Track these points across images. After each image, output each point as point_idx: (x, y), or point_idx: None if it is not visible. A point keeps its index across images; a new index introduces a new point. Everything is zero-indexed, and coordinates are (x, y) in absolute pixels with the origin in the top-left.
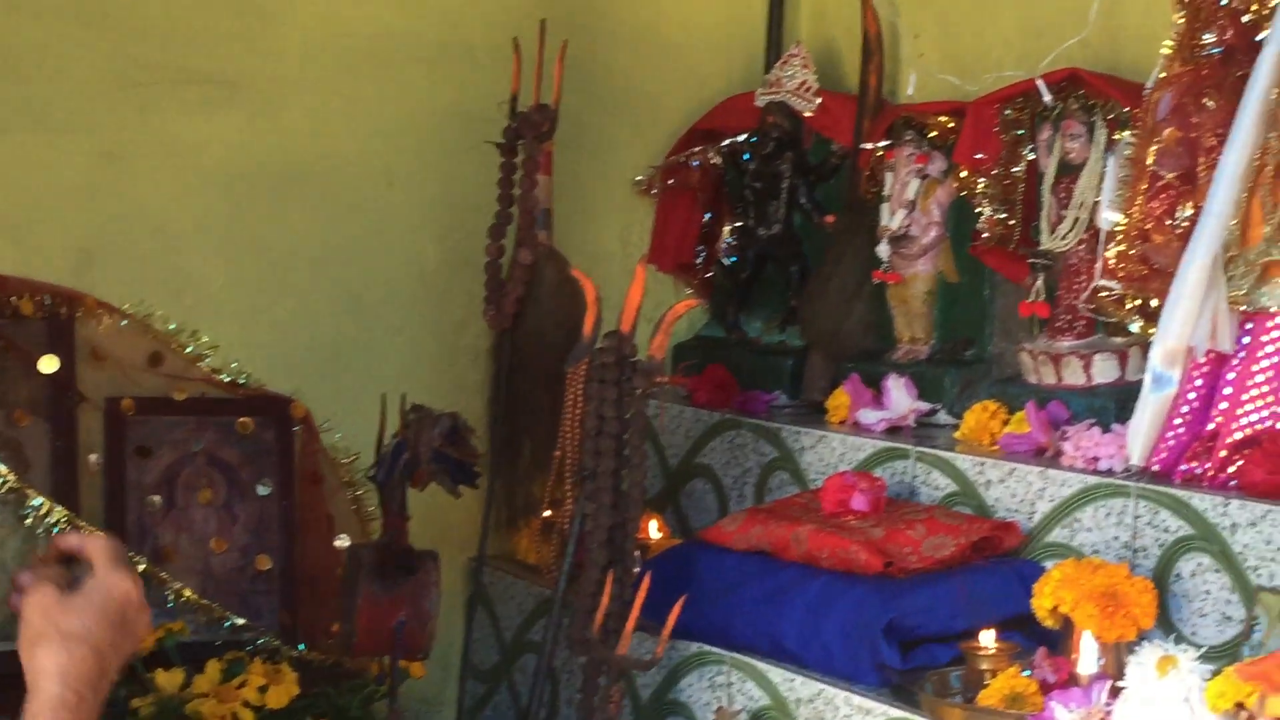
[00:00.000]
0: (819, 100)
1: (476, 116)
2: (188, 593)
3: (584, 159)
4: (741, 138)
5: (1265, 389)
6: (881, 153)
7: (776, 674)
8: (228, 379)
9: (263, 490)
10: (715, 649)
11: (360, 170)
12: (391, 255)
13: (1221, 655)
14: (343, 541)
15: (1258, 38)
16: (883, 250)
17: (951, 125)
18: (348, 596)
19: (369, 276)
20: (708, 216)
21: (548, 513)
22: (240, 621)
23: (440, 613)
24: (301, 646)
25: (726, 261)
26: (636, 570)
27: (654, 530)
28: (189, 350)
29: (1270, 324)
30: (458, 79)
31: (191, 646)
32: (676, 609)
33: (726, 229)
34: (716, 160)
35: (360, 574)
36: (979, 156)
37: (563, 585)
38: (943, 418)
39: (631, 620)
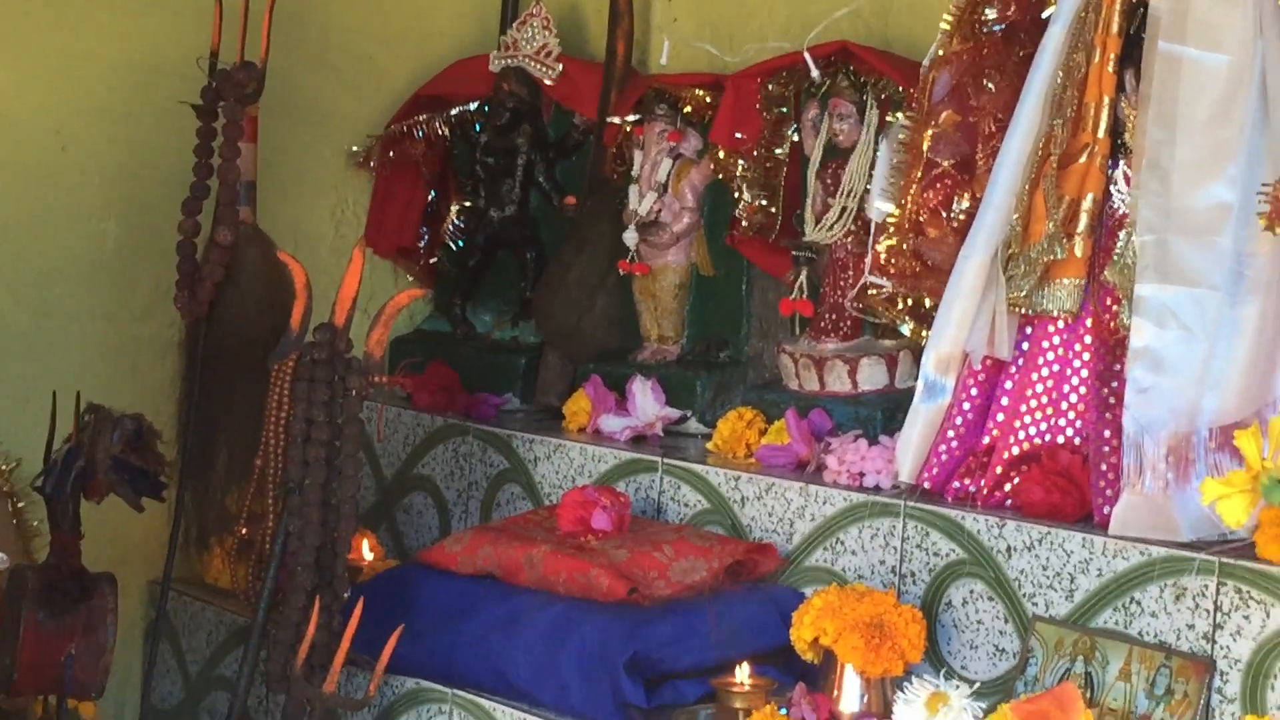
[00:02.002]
0: (561, 67)
1: (169, 73)
2: None
3: (293, 126)
4: (473, 106)
5: (1044, 400)
6: (630, 128)
7: (505, 714)
8: None
9: None
10: (436, 685)
11: (27, 131)
12: (65, 231)
13: (994, 690)
14: (1, 562)
15: (1044, 14)
16: (630, 238)
17: (708, 100)
18: (7, 626)
19: (37, 256)
20: (432, 195)
21: (245, 530)
22: None
23: (117, 645)
24: None
25: (453, 246)
26: (347, 596)
27: (367, 551)
28: None
29: (1051, 329)
30: (148, 29)
31: None
32: (392, 640)
33: (454, 209)
34: (444, 131)
35: (23, 600)
36: (738, 136)
37: (262, 613)
38: (694, 426)
39: (341, 653)
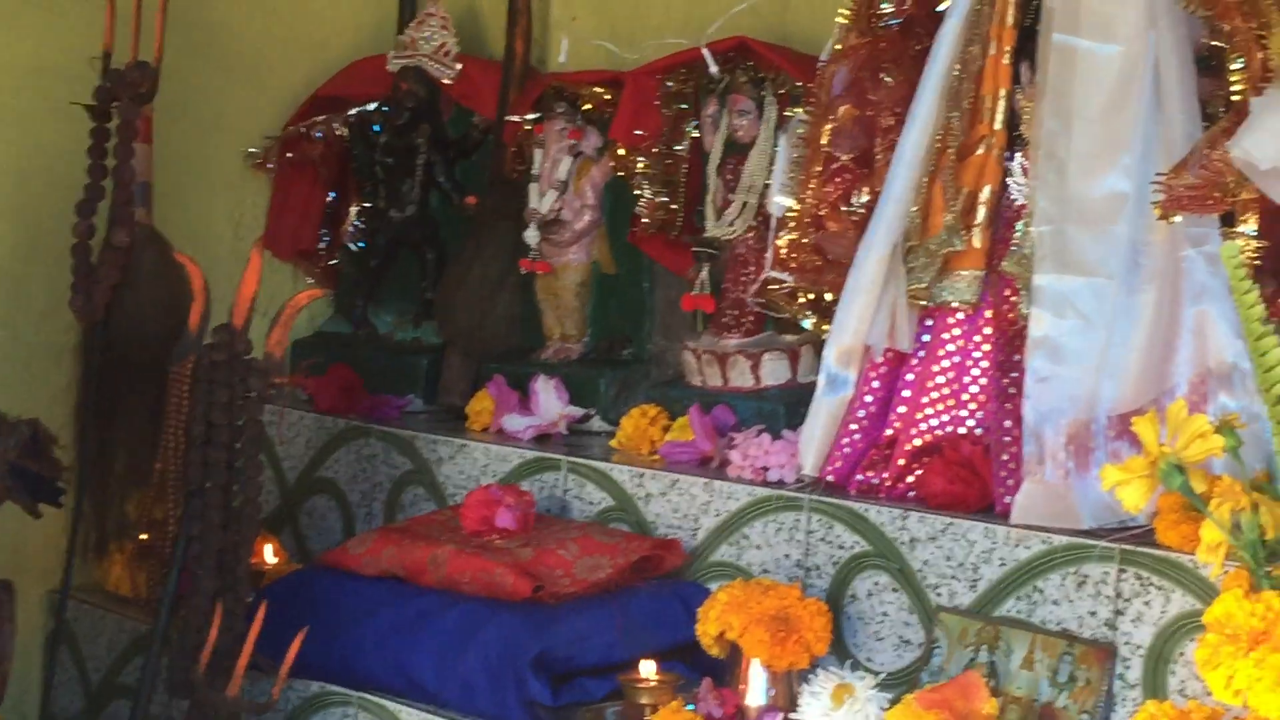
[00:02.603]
0: (459, 66)
1: (62, 73)
2: None
3: (190, 126)
4: (371, 107)
5: (946, 391)
6: (530, 127)
7: (411, 715)
8: None
9: None
10: (340, 688)
11: None
12: None
13: (900, 682)
14: None
15: (939, 8)
16: (531, 236)
17: (608, 97)
18: None
19: None
20: (332, 196)
21: (145, 535)
22: None
23: (15, 654)
24: None
25: (354, 247)
26: (250, 600)
27: (270, 554)
28: None
29: (952, 320)
30: (38, 29)
31: None
32: (296, 643)
33: (354, 210)
34: (342, 132)
35: None
36: (638, 133)
37: (164, 619)
38: (597, 424)
39: (244, 658)
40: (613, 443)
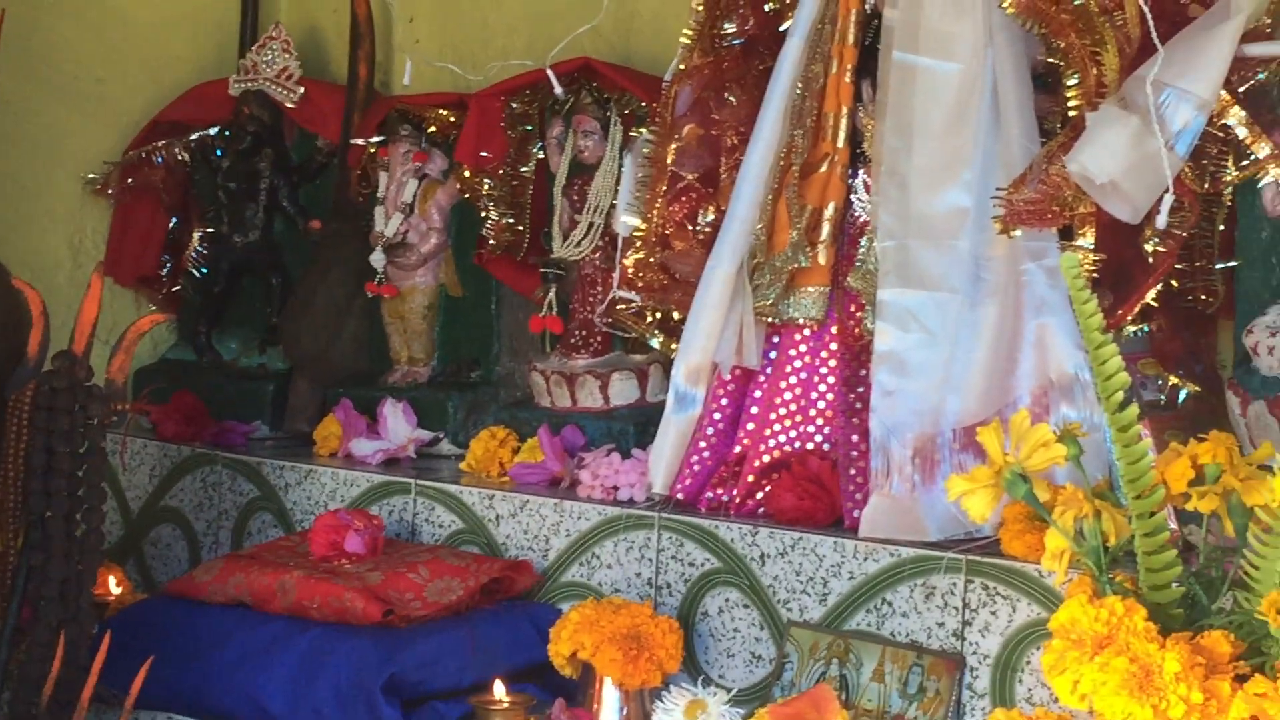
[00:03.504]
0: (302, 90)
1: None
2: None
3: (27, 152)
4: (213, 131)
5: (794, 407)
6: (374, 149)
7: None
8: None
9: None
10: (188, 718)
11: None
12: None
13: (752, 697)
14: None
15: (781, 28)
16: (377, 260)
17: (453, 119)
18: None
19: None
20: (174, 221)
21: None
22: None
23: None
24: None
25: (197, 273)
26: (94, 631)
27: (113, 585)
28: None
29: (798, 337)
30: None
31: None
32: (141, 674)
33: (196, 236)
34: (184, 156)
35: None
36: (483, 155)
37: (4, 651)
38: (446, 447)
39: (88, 689)
40: (462, 465)
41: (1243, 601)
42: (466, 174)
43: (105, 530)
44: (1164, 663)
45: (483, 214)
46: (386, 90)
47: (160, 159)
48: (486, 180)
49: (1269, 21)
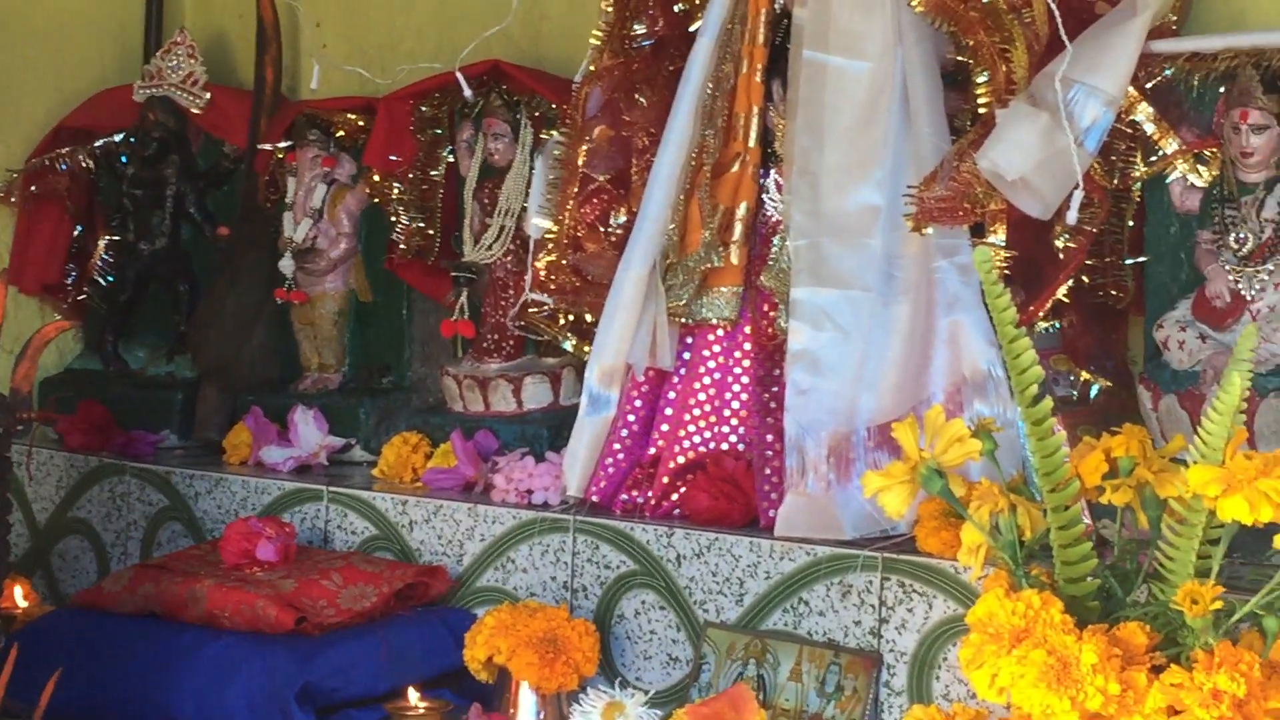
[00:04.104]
0: (208, 95)
1: None
2: None
3: None
4: (118, 138)
5: (708, 408)
6: (282, 155)
7: None
8: None
9: None
10: None
11: None
12: None
13: (670, 699)
14: None
15: (691, 28)
16: (286, 265)
17: (361, 123)
18: None
19: None
20: (79, 229)
21: None
22: None
23: None
24: None
25: (103, 281)
26: (0, 644)
27: (20, 597)
28: None
29: (712, 338)
30: None
31: None
32: (50, 686)
33: (102, 243)
34: (89, 163)
35: None
36: (392, 158)
37: None
38: (358, 454)
39: None
40: (374, 472)
41: (1158, 593)
42: (376, 178)
43: (12, 542)
44: (1081, 654)
45: (392, 218)
46: (294, 95)
47: (64, 166)
48: (396, 184)
49: (1174, 18)
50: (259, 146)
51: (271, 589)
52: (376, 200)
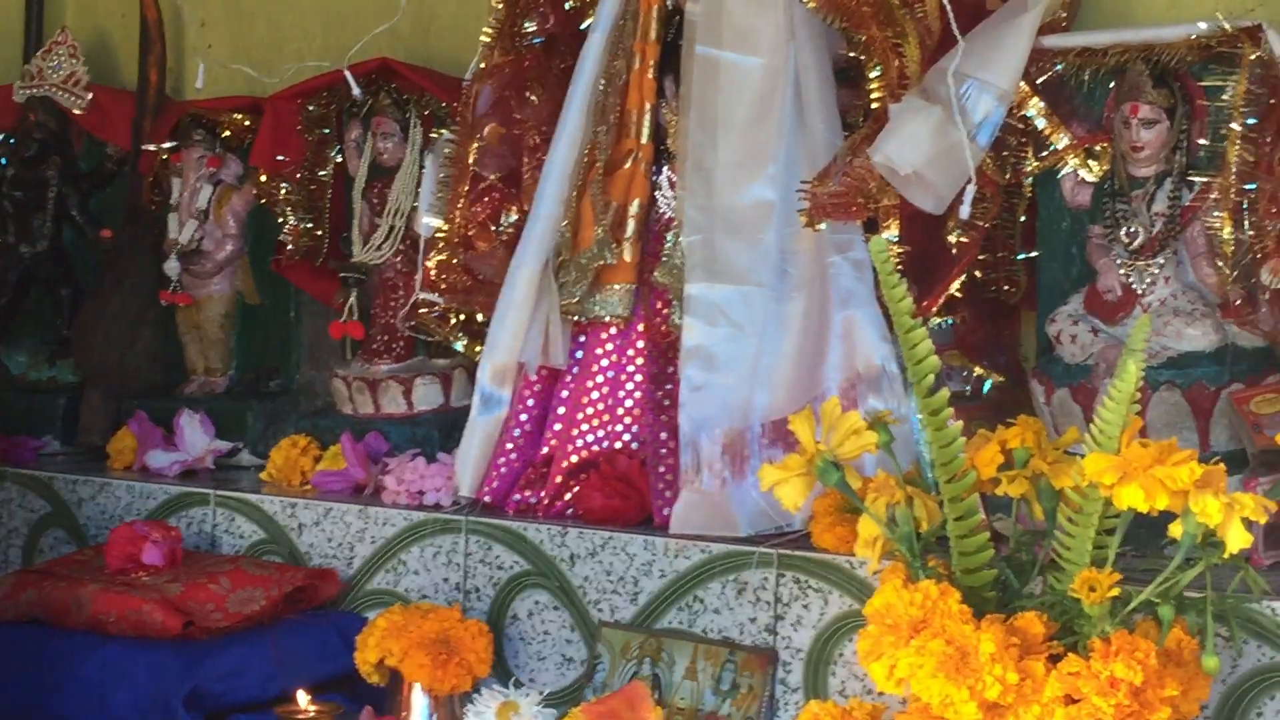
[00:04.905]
0: (90, 96)
1: None
2: None
3: None
4: None
5: (601, 407)
6: (166, 156)
7: None
8: None
9: None
10: None
11: None
12: None
13: (564, 700)
14: None
15: (582, 25)
16: (171, 268)
17: (248, 123)
18: None
19: None
20: None
21: None
22: None
23: None
24: None
25: None
26: None
27: None
28: None
29: (605, 335)
30: None
31: None
32: None
33: None
34: None
35: None
36: (280, 158)
37: None
38: (246, 458)
39: None
40: (263, 475)
41: (1055, 583)
42: (263, 178)
43: None
44: (979, 644)
45: (280, 219)
46: (179, 95)
47: None
48: (283, 185)
49: (1064, 15)
50: (143, 147)
51: (158, 593)
52: (263, 201)
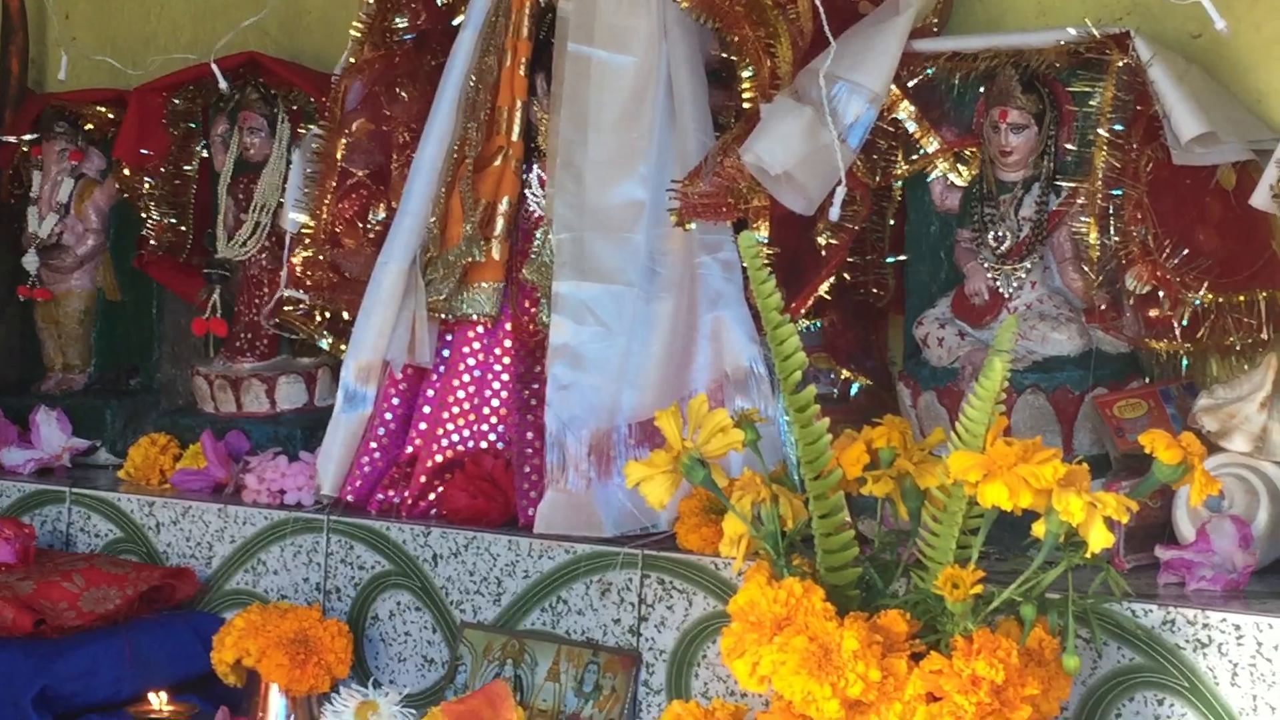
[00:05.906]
0: None
1: None
2: None
3: None
4: None
5: (467, 406)
6: (27, 148)
7: None
8: None
9: None
10: None
11: None
12: None
13: (425, 702)
14: None
15: (454, 22)
16: (30, 262)
17: (111, 116)
18: None
19: None
20: None
21: None
22: None
23: None
24: None
25: None
26: None
27: None
28: None
29: (472, 334)
30: None
31: None
32: None
33: None
34: None
35: None
36: (144, 152)
37: None
38: (104, 456)
39: None
40: (121, 474)
41: (918, 581)
42: (126, 172)
43: None
44: (842, 641)
45: (143, 214)
46: (40, 88)
47: None
48: (147, 179)
49: (935, 20)
50: (2, 139)
51: (9, 591)
52: (126, 195)
